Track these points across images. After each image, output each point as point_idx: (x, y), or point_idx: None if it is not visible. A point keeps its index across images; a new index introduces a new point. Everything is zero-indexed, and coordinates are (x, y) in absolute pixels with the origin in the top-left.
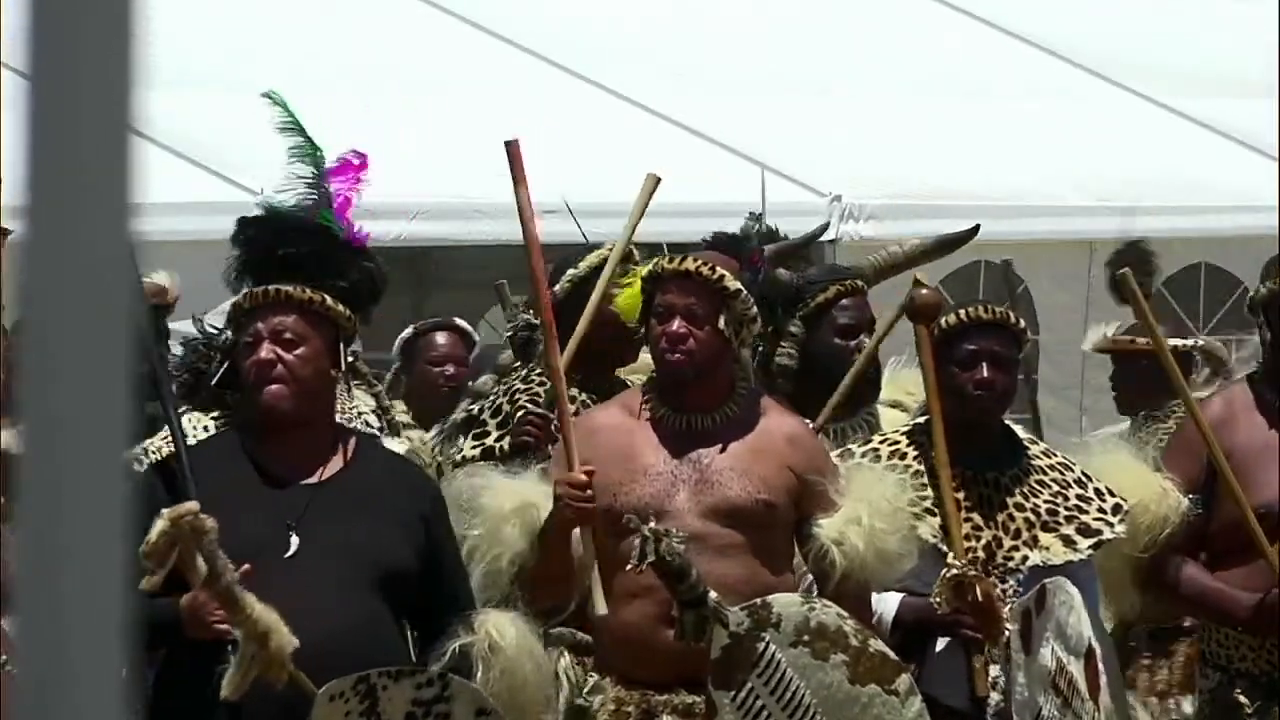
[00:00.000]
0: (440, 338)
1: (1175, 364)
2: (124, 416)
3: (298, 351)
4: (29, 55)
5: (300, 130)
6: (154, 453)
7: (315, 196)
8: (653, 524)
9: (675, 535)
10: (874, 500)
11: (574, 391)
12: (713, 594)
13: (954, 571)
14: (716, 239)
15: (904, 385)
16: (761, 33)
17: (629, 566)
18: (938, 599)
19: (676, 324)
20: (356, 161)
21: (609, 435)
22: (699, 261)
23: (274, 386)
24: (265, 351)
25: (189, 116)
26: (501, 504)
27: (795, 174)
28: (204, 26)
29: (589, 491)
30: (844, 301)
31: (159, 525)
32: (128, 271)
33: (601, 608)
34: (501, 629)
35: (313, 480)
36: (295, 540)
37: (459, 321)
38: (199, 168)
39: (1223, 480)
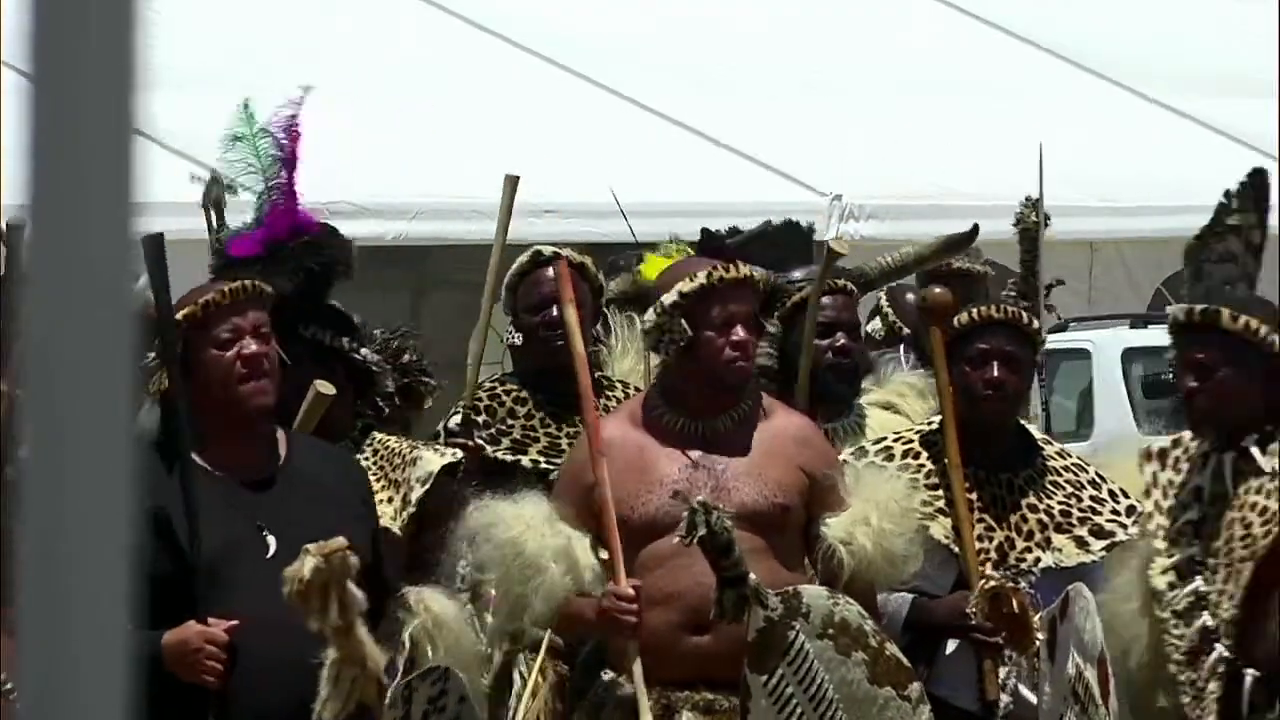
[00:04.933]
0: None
1: None
2: (126, 417)
3: (273, 345)
4: (31, 55)
5: (250, 141)
6: None
7: (259, 206)
8: (701, 497)
9: (724, 510)
10: (882, 501)
11: (520, 391)
12: (753, 574)
13: (992, 583)
14: (709, 236)
15: (897, 388)
16: (762, 33)
17: (676, 539)
18: (974, 609)
19: (743, 332)
20: (294, 107)
21: (619, 448)
22: (749, 268)
23: (265, 381)
24: (257, 345)
25: (191, 116)
26: (513, 551)
27: (796, 174)
28: (206, 27)
29: (636, 605)
30: (824, 300)
31: (311, 562)
32: (131, 271)
33: (624, 585)
34: (441, 605)
35: (264, 477)
36: (273, 541)
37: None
38: (200, 167)
39: None
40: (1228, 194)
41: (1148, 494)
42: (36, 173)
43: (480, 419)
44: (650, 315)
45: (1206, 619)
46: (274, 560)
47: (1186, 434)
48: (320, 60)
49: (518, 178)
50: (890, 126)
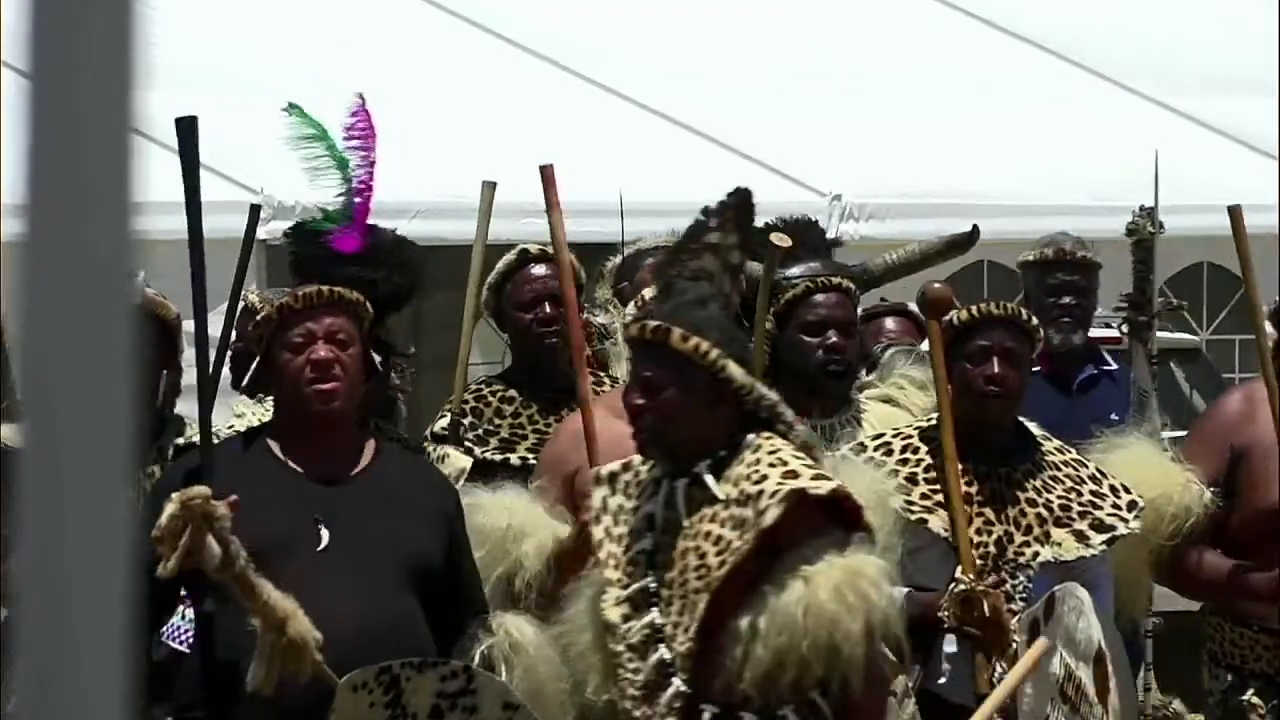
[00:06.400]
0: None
1: (1268, 349)
2: (126, 416)
3: (350, 352)
4: (30, 55)
5: (323, 138)
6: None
7: (344, 202)
8: None
9: None
10: (862, 491)
11: (509, 391)
12: None
13: (962, 586)
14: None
15: (896, 381)
16: (762, 32)
17: None
18: (945, 612)
19: None
20: (357, 110)
21: (604, 440)
22: None
23: (333, 385)
24: (325, 351)
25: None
26: (501, 524)
27: (795, 173)
28: (205, 27)
29: None
30: (816, 298)
31: (169, 508)
32: (129, 271)
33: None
34: (523, 631)
35: (342, 478)
36: (325, 534)
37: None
38: (200, 167)
39: None
40: (706, 210)
41: (597, 520)
42: (35, 172)
43: (466, 420)
44: (631, 309)
45: (663, 652)
46: (324, 553)
47: (637, 458)
48: (320, 60)
49: (495, 184)
50: (890, 126)
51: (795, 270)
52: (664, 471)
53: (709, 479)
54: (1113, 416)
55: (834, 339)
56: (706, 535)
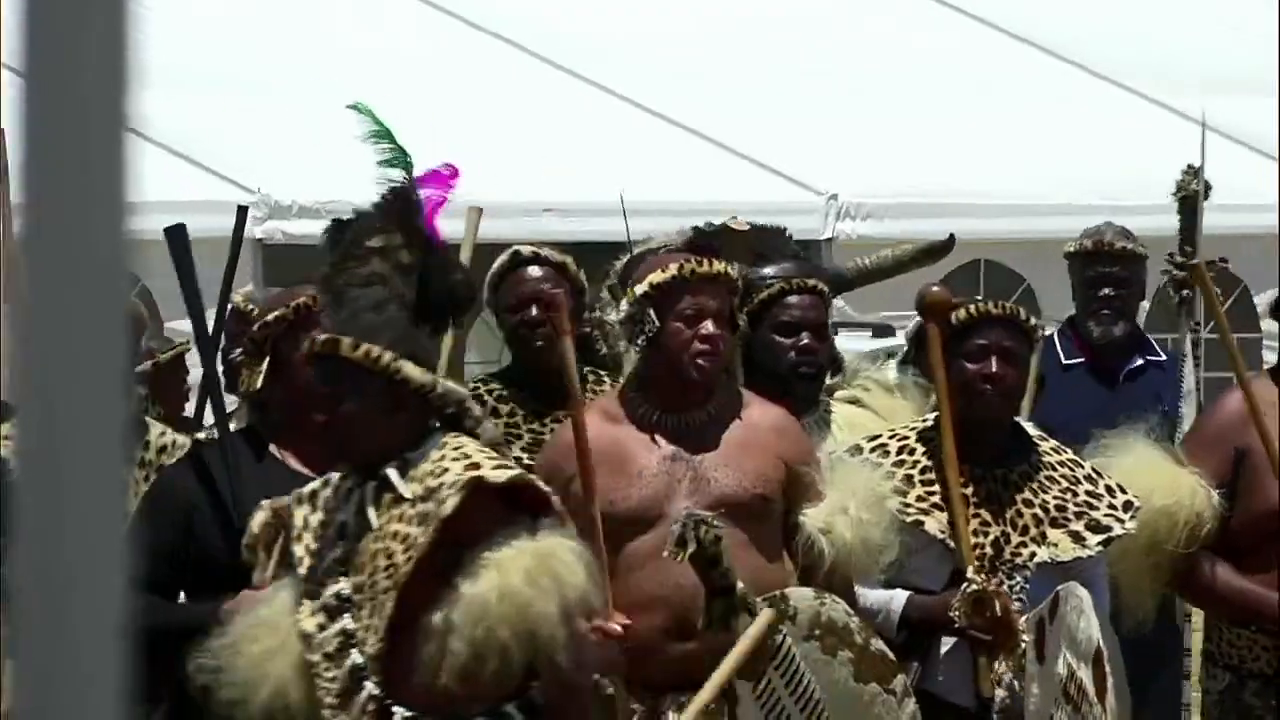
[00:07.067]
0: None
1: (1238, 353)
2: (121, 415)
3: None
4: (25, 54)
5: (390, 138)
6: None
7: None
8: (687, 507)
9: (713, 522)
10: (859, 490)
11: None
12: (740, 583)
13: (974, 587)
14: (699, 234)
15: (862, 383)
16: (762, 32)
17: (666, 553)
18: (957, 612)
19: (712, 328)
20: (446, 172)
21: (594, 444)
22: (724, 263)
23: None
24: None
25: (186, 116)
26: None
27: (792, 173)
28: (201, 26)
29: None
30: (790, 299)
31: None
32: (125, 270)
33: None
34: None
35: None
36: None
37: None
38: (196, 166)
39: None
40: (361, 214)
41: (299, 539)
42: (30, 171)
43: None
44: (623, 305)
45: (355, 657)
46: None
47: (335, 474)
48: (319, 60)
49: (480, 210)
50: (889, 126)
51: (770, 271)
52: (355, 480)
53: (395, 479)
54: (1161, 407)
55: (807, 340)
56: (394, 535)
